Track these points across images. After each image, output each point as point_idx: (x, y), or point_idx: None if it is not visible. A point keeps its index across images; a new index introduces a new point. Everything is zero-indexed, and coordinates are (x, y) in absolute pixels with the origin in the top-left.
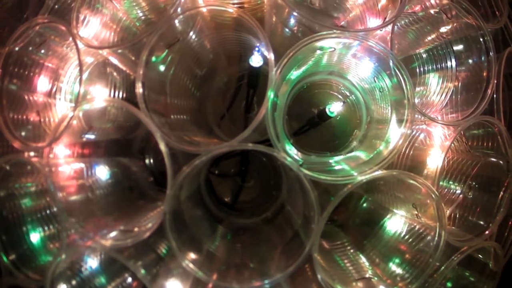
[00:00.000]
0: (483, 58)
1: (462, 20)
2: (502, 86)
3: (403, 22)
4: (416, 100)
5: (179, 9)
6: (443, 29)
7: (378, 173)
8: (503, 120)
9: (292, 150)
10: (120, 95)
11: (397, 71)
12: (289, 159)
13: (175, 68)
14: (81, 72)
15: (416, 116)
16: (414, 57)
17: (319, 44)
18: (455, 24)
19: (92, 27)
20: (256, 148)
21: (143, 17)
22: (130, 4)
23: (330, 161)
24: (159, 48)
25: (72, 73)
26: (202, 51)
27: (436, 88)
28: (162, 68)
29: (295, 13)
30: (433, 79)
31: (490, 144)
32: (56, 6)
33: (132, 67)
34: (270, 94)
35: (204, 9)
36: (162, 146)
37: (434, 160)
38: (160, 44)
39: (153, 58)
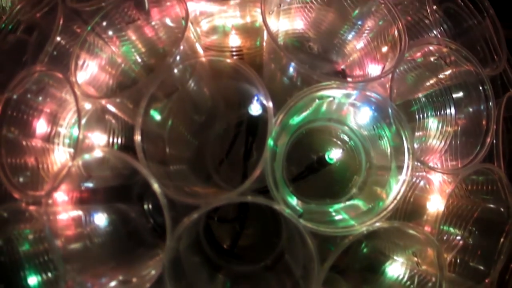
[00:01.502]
0: (482, 107)
1: (462, 67)
2: (502, 130)
3: (402, 68)
4: (416, 145)
5: (178, 58)
6: (442, 75)
7: (379, 224)
8: (503, 164)
9: (292, 199)
10: (119, 141)
11: (396, 120)
12: (287, 210)
13: (173, 118)
14: (79, 120)
15: (416, 163)
16: (413, 102)
17: (318, 94)
18: (454, 70)
19: (89, 71)
20: (256, 201)
21: (141, 62)
22: (128, 48)
23: (330, 210)
24: (158, 97)
25: (71, 118)
26: (201, 98)
27: (435, 133)
28: (160, 118)
29: (293, 63)
30: (432, 124)
31: (490, 189)
32: (55, 53)
33: (130, 115)
34: (270, 143)
35: (203, 58)
36: (161, 198)
37: (434, 205)
38: (159, 93)
39: (152, 109)
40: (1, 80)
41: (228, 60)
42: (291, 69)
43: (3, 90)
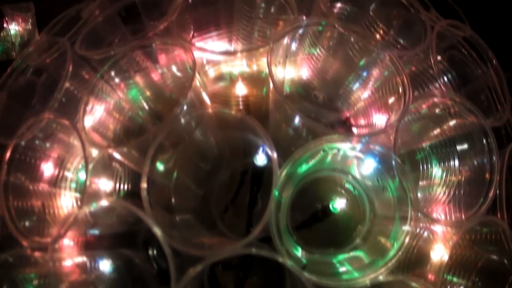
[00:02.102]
0: (485, 160)
1: (466, 119)
2: (506, 180)
3: (406, 118)
4: (420, 195)
5: (185, 108)
6: (446, 126)
7: (383, 277)
8: (506, 215)
9: (296, 249)
10: (125, 187)
11: (400, 173)
12: (291, 262)
13: (179, 168)
14: (86, 168)
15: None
16: (418, 151)
17: (323, 146)
18: (458, 121)
19: (96, 116)
20: (260, 253)
21: (148, 108)
22: (135, 94)
23: (334, 261)
24: (165, 147)
25: (78, 163)
26: (207, 147)
27: (439, 182)
28: (167, 168)
29: (297, 116)
30: (436, 174)
31: (493, 240)
32: (64, 99)
33: (136, 162)
34: (275, 195)
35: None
36: (166, 248)
37: (438, 255)
38: (166, 143)
39: (159, 160)
40: (9, 123)
41: (234, 113)
42: (296, 120)
43: (11, 134)
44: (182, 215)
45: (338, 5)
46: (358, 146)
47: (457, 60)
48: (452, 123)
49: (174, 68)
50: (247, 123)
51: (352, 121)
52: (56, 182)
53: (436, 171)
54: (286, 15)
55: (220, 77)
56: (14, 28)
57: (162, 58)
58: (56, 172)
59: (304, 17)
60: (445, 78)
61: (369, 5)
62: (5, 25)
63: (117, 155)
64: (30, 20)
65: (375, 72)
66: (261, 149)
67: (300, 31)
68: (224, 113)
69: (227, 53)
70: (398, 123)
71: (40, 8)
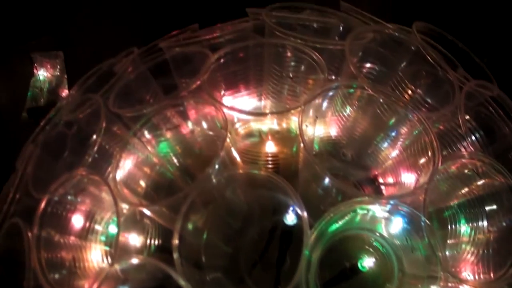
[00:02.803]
0: None
1: (495, 179)
2: None
3: (435, 178)
4: (448, 254)
5: (216, 166)
6: (475, 186)
7: None
8: None
9: None
10: (155, 242)
11: (429, 233)
12: None
13: (210, 227)
14: (118, 226)
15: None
16: (446, 209)
17: (353, 208)
18: (487, 181)
19: (125, 171)
20: None
21: (177, 163)
22: (165, 149)
23: None
24: (196, 205)
25: (108, 217)
26: (237, 205)
27: (468, 241)
28: (197, 228)
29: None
30: (465, 232)
31: None
32: (97, 155)
33: (165, 219)
34: (305, 254)
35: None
36: None
37: None
38: (197, 201)
39: (190, 221)
40: (41, 176)
41: (263, 173)
42: (325, 180)
43: (43, 187)
44: (212, 273)
45: (367, 65)
46: (387, 207)
47: (485, 119)
48: (480, 182)
49: (204, 125)
50: (276, 183)
51: (381, 180)
52: (86, 235)
53: (465, 229)
54: (315, 74)
55: (250, 134)
56: (43, 74)
57: (193, 114)
58: (86, 225)
59: (333, 77)
60: (473, 137)
61: (397, 64)
62: (34, 71)
63: (147, 212)
64: (58, 67)
65: (404, 131)
66: (290, 208)
67: (330, 93)
68: (254, 173)
69: (258, 114)
70: (428, 186)
71: (69, 55)
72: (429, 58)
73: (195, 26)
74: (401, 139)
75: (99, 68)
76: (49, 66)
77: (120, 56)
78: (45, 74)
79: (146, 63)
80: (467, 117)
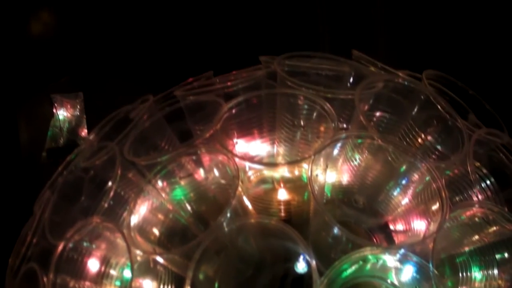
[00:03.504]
0: None
1: (505, 227)
2: None
3: (445, 226)
4: None
5: (228, 214)
6: (485, 233)
7: None
8: None
9: None
10: None
11: (438, 283)
12: None
13: (221, 275)
14: (132, 274)
15: None
16: (457, 255)
17: (363, 257)
18: (497, 228)
19: (139, 217)
20: None
21: (191, 210)
22: (178, 195)
23: None
24: (209, 253)
25: (123, 262)
26: (248, 253)
27: (480, 287)
28: (209, 275)
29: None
30: (476, 278)
31: None
32: (111, 202)
33: (178, 266)
34: None
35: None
36: None
37: None
38: (210, 249)
39: (202, 267)
40: (57, 221)
41: (274, 223)
42: (335, 229)
43: (59, 232)
44: None
45: (377, 113)
46: (397, 256)
47: (496, 164)
48: (491, 230)
49: (217, 173)
50: (287, 233)
51: (392, 226)
52: (101, 280)
53: (476, 275)
54: (327, 122)
55: (262, 181)
56: (62, 113)
57: (206, 161)
58: (101, 270)
59: (345, 125)
60: (485, 184)
61: (408, 111)
62: (54, 111)
63: (160, 259)
64: (78, 106)
65: (415, 178)
66: (301, 257)
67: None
68: (265, 223)
69: (269, 164)
70: (436, 235)
71: (88, 96)
72: (439, 107)
73: (209, 73)
74: (412, 186)
75: (117, 114)
76: (69, 106)
77: (137, 103)
78: (65, 113)
79: (161, 110)
80: (478, 164)
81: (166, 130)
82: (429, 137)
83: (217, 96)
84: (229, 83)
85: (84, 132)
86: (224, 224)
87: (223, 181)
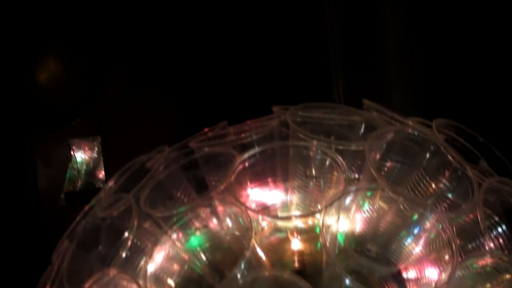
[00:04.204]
0: None
1: None
2: None
3: (457, 274)
4: None
5: (242, 266)
6: (496, 282)
7: None
8: None
9: None
10: None
11: None
12: None
13: None
14: None
15: None
16: None
17: None
18: (509, 277)
19: (154, 267)
20: None
21: (205, 260)
22: (194, 245)
23: None
24: None
25: None
26: None
27: None
28: None
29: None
30: None
31: None
32: (128, 253)
33: None
34: None
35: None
36: None
37: None
38: None
39: None
40: (75, 269)
41: (286, 276)
42: (346, 280)
43: (77, 281)
44: None
45: (388, 163)
46: None
47: (508, 212)
48: (503, 278)
49: (231, 223)
50: (300, 286)
51: (404, 274)
52: None
53: None
54: (338, 172)
55: (276, 230)
56: (80, 156)
57: (221, 211)
58: None
59: (356, 175)
60: (496, 231)
61: (419, 161)
62: (72, 153)
63: None
64: (96, 149)
65: (427, 227)
66: None
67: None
68: (279, 276)
69: (281, 218)
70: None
71: (106, 140)
72: (449, 157)
73: (224, 123)
74: (425, 235)
75: (133, 164)
76: (86, 148)
77: (153, 153)
78: (83, 156)
79: (177, 161)
80: (489, 211)
81: (182, 180)
82: (440, 185)
83: (232, 147)
84: (243, 135)
85: (101, 174)
86: (239, 276)
87: (237, 232)
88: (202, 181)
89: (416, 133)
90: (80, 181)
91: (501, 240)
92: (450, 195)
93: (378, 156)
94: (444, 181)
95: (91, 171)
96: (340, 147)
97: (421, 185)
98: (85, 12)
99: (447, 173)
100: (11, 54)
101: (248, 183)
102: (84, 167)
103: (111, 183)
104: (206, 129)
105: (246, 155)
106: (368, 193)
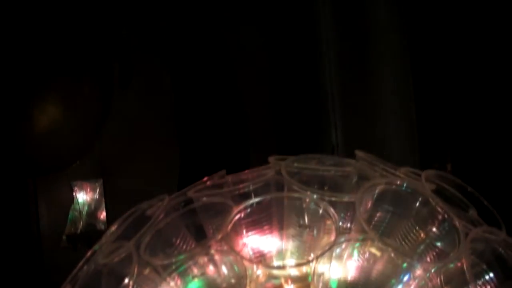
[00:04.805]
0: None
1: None
2: None
3: None
4: None
5: None
6: None
7: None
8: None
9: None
10: None
11: None
12: None
13: None
14: None
15: None
16: None
17: None
18: None
19: None
20: None
21: None
22: None
23: None
24: None
25: None
26: None
27: None
28: None
29: None
30: None
31: None
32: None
33: None
34: None
35: None
36: None
37: None
38: None
39: None
40: None
41: None
42: None
43: None
44: None
45: (379, 214)
46: None
47: (497, 259)
48: None
49: (226, 271)
50: None
51: None
52: None
53: None
54: (331, 222)
55: (270, 278)
56: (82, 197)
57: (218, 258)
58: None
59: (348, 224)
60: (484, 279)
61: (409, 211)
62: (73, 194)
63: None
64: (98, 190)
65: (417, 274)
66: None
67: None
68: None
69: (276, 267)
70: None
71: (107, 182)
72: (438, 208)
73: (222, 172)
74: (414, 283)
75: (135, 210)
76: (88, 190)
77: (154, 201)
78: (85, 197)
79: (176, 210)
80: (477, 260)
81: (181, 228)
82: (430, 234)
83: (231, 196)
84: (240, 185)
85: (103, 215)
86: None
87: (233, 280)
88: (201, 227)
89: (405, 184)
90: (81, 223)
91: (489, 287)
92: (439, 244)
93: (369, 204)
94: (433, 230)
95: (92, 213)
96: (333, 199)
97: (411, 234)
98: (83, 55)
99: (436, 223)
100: (10, 96)
101: (245, 232)
102: (86, 208)
103: (113, 228)
104: (205, 178)
105: (242, 206)
106: (356, 244)
